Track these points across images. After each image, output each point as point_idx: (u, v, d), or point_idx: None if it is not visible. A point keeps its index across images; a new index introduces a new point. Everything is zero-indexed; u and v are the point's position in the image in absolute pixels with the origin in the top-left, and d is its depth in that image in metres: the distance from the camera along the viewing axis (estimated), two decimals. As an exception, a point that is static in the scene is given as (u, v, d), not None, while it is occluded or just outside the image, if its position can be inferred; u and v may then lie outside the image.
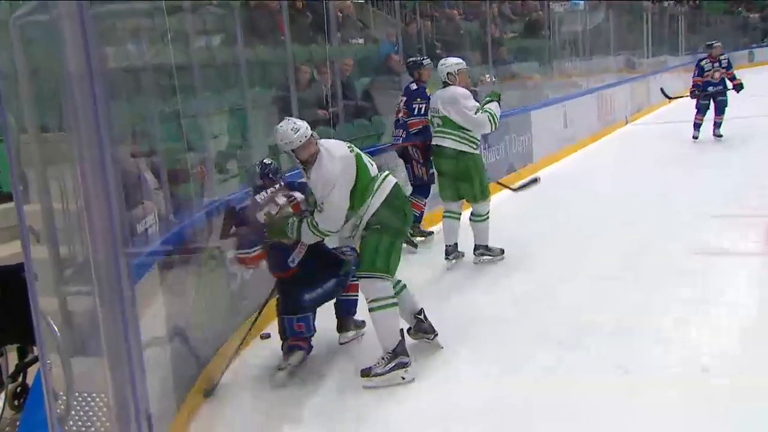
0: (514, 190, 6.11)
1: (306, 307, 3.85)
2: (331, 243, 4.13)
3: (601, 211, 6.60)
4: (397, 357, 3.61)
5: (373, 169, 3.72)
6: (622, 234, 5.80)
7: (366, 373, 3.62)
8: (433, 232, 6.14)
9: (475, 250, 5.50)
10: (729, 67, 10.34)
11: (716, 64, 10.34)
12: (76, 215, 2.35)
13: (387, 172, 3.78)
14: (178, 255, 3.46)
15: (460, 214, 5.52)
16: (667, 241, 5.50)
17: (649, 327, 4.02)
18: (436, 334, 3.93)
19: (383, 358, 3.62)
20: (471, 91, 5.36)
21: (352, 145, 3.78)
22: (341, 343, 4.16)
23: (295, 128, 3.62)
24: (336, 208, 3.59)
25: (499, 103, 5.22)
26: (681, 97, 11.24)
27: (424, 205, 6.07)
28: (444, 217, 5.52)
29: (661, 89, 10.98)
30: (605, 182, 8.18)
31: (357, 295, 4.10)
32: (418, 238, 6.06)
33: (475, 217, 5.44)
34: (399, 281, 3.86)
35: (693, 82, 10.49)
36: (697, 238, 5.47)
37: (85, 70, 0.86)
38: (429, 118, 5.49)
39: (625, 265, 5.10)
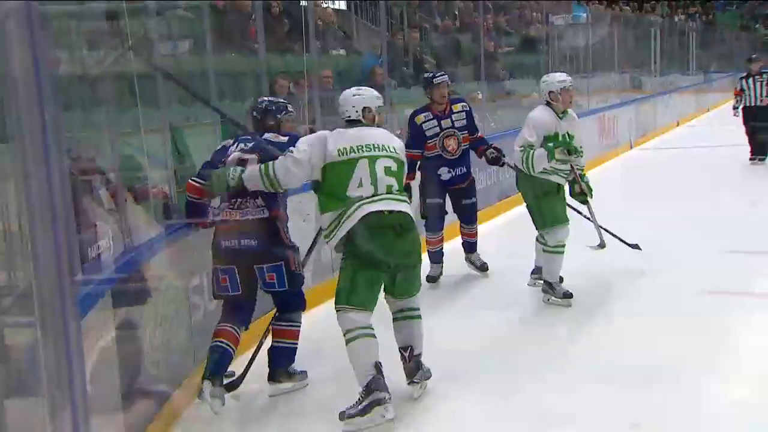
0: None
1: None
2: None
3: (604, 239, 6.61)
4: (371, 393, 3.57)
5: (358, 190, 3.70)
6: (626, 270, 5.80)
7: (342, 416, 3.60)
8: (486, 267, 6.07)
9: (533, 272, 5.62)
10: None
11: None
12: (18, 237, 2.31)
13: (369, 200, 3.71)
14: (134, 283, 3.43)
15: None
16: (679, 279, 5.52)
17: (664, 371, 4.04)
18: (415, 382, 3.87)
19: (359, 397, 3.60)
20: None
21: (360, 149, 3.78)
22: (270, 396, 4.05)
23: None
24: (292, 159, 3.75)
25: (550, 155, 5.14)
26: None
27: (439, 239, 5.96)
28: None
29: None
30: (607, 211, 8.21)
31: (294, 343, 4.07)
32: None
33: (540, 241, 5.38)
34: (408, 309, 3.93)
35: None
36: (711, 276, 5.51)
37: (32, 75, 0.85)
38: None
39: (631, 306, 5.13)
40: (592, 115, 12.54)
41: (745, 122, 10.76)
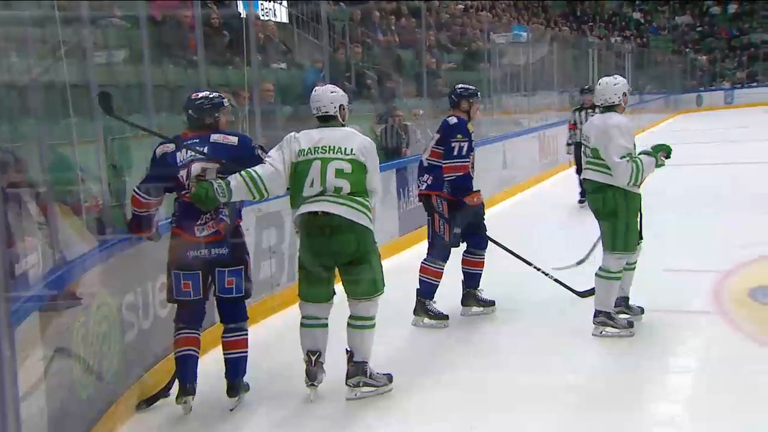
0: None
1: None
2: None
3: (542, 263, 6.70)
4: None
5: (309, 189, 3.92)
6: (563, 290, 5.87)
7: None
8: (494, 303, 5.56)
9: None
10: None
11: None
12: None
13: (311, 200, 3.93)
14: (65, 301, 3.32)
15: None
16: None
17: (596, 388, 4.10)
18: (348, 384, 4.12)
19: None
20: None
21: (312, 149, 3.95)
22: (231, 410, 4.04)
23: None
24: (272, 168, 3.94)
25: (657, 161, 4.83)
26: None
27: (441, 272, 5.35)
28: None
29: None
30: (546, 229, 8.38)
31: (247, 352, 4.11)
32: (474, 309, 5.51)
33: (602, 268, 4.93)
34: (357, 318, 4.12)
35: None
36: (648, 295, 5.63)
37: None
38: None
39: (565, 327, 5.16)
40: (533, 133, 12.79)
41: (577, 161, 9.34)
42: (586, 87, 9.91)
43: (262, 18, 7.72)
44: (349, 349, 4.13)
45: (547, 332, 5.06)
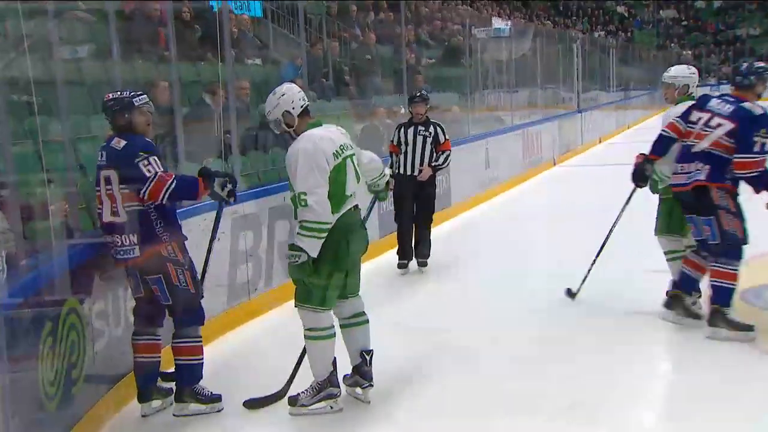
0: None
1: None
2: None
3: (525, 264, 6.74)
4: (325, 389, 4.05)
5: (351, 188, 3.96)
6: (548, 291, 5.89)
7: (293, 402, 4.06)
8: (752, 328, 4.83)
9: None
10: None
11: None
12: None
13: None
14: (30, 309, 3.26)
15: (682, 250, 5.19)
16: (600, 298, 5.64)
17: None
18: (371, 385, 4.12)
19: (312, 388, 4.06)
20: None
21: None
22: (174, 415, 4.13)
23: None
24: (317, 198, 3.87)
25: None
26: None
27: (738, 273, 4.78)
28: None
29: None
30: (530, 231, 8.39)
31: (193, 359, 4.14)
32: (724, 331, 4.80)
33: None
34: (360, 314, 4.16)
35: None
36: (631, 296, 5.66)
37: None
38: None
39: (550, 329, 5.19)
40: (516, 131, 12.81)
41: (396, 199, 6.71)
42: (419, 93, 6.96)
43: (235, 12, 7.66)
44: (365, 350, 4.12)
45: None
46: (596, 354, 4.72)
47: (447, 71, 12.07)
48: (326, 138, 3.89)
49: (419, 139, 6.67)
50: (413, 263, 6.81)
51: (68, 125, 4.31)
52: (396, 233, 6.85)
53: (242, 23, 7.72)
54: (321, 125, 3.98)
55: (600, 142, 18.22)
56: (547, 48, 16.02)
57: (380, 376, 4.19)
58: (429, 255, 6.78)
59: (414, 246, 6.77)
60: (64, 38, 4.96)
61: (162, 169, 3.80)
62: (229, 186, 4.10)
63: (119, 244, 3.89)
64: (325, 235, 3.80)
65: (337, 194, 3.84)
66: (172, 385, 4.21)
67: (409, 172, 6.67)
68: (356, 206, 4.00)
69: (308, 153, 3.77)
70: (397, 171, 6.65)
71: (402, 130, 6.74)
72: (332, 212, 3.82)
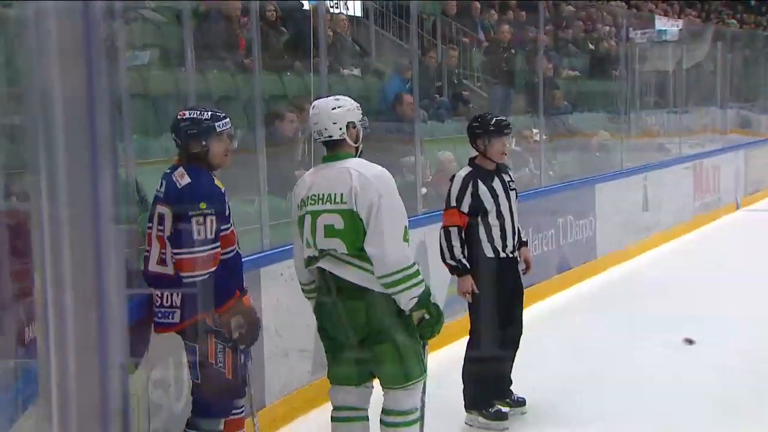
0: None
1: None
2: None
3: (697, 337, 6.66)
4: None
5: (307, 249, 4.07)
6: (725, 376, 5.80)
7: None
8: None
9: None
10: None
11: None
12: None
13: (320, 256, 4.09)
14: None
15: None
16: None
17: None
18: None
19: None
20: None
21: None
22: None
23: None
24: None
25: None
26: None
27: None
28: None
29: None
30: (703, 296, 8.19)
31: None
32: None
33: None
34: (386, 412, 4.18)
35: None
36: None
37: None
38: None
39: None
40: (685, 164, 12.58)
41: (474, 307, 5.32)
42: (505, 121, 5.46)
43: (331, 11, 7.93)
44: None
45: None
46: None
47: (594, 85, 12.07)
48: (304, 180, 4.13)
49: (512, 196, 5.35)
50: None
51: (132, 147, 4.51)
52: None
53: (338, 25, 7.95)
54: (332, 160, 4.07)
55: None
56: (730, 55, 15.71)
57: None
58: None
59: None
60: (130, 42, 5.22)
61: (213, 236, 3.86)
62: (243, 329, 4.03)
63: (158, 303, 3.97)
64: (308, 297, 4.22)
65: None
66: None
67: (503, 253, 5.26)
68: (330, 272, 4.02)
69: None
70: (479, 254, 5.18)
71: (478, 183, 5.20)
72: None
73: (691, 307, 7.53)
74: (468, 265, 5.07)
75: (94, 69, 0.78)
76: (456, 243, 5.05)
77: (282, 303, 5.00)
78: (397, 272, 3.88)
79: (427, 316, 4.03)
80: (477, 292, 5.06)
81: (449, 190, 5.20)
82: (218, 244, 3.89)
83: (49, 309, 0.77)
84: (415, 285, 3.92)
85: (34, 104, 0.79)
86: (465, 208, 5.11)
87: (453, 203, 5.12)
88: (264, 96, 5.75)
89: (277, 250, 5.16)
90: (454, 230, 5.06)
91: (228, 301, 3.96)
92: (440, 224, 5.23)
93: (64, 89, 0.78)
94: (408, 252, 4.00)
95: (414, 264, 3.96)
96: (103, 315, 0.78)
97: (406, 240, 3.95)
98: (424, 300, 3.97)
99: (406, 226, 3.98)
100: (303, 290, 4.20)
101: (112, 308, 0.78)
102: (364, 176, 3.94)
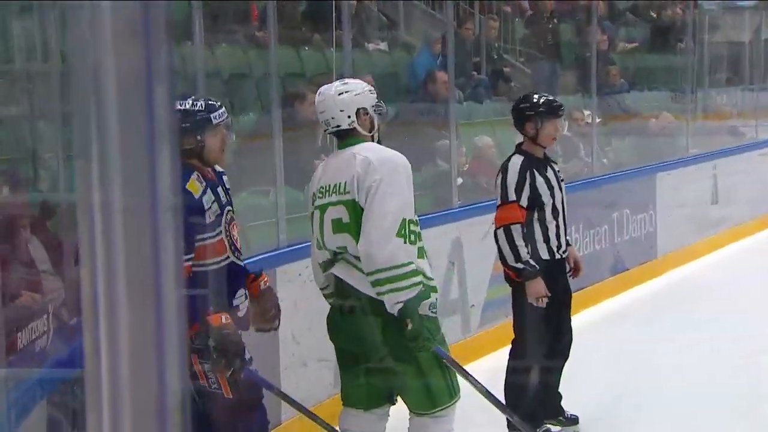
0: None
1: None
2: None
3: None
4: None
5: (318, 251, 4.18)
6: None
7: None
8: None
9: None
10: None
11: None
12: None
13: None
14: (78, 388, 3.46)
15: None
16: None
17: None
18: None
19: None
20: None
21: None
22: None
23: None
24: None
25: None
26: None
27: None
28: None
29: None
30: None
31: None
32: None
33: None
34: None
35: None
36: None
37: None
38: None
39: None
40: (761, 149, 12.49)
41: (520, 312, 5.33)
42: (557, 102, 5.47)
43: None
44: None
45: None
46: None
47: (655, 59, 11.99)
48: (316, 172, 4.20)
49: (563, 188, 5.38)
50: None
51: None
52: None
53: (362, -7, 7.98)
54: (345, 147, 4.11)
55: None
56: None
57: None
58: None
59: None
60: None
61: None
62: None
63: None
64: (328, 301, 4.25)
65: None
66: None
67: (557, 254, 5.28)
68: (338, 277, 4.07)
69: None
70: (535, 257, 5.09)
71: (535, 173, 5.17)
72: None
73: (766, 316, 7.55)
74: (537, 266, 4.99)
75: (152, 47, 0.81)
76: (520, 242, 4.96)
77: (300, 306, 5.05)
78: (383, 270, 3.81)
79: (408, 327, 3.87)
80: (549, 294, 4.98)
81: (503, 181, 5.10)
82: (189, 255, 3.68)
83: (100, 306, 0.79)
84: (403, 289, 3.83)
85: (85, 85, 0.82)
86: (524, 201, 5.04)
87: (512, 197, 5.03)
88: (279, 73, 5.77)
89: (294, 247, 5.20)
90: (516, 228, 4.96)
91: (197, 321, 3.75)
92: (476, 218, 5.22)
93: (120, 68, 0.82)
94: (401, 249, 3.87)
95: (408, 264, 3.86)
96: (160, 310, 0.81)
97: (401, 235, 3.85)
98: (410, 309, 3.85)
99: (405, 220, 3.88)
100: (322, 293, 4.26)
101: (170, 303, 0.81)
102: (368, 160, 3.93)
